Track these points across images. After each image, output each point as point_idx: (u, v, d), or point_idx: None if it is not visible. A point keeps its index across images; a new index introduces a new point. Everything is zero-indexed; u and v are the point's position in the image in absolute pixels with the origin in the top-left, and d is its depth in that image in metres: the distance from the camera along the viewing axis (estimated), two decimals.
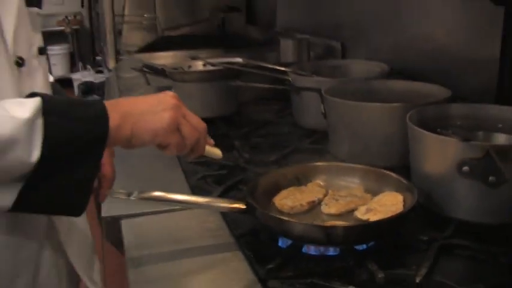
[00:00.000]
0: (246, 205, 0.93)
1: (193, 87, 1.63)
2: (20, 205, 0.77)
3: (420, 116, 1.05)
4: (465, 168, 0.89)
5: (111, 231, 1.09)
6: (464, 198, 0.92)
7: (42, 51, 1.07)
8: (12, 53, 0.92)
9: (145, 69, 1.98)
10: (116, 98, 0.94)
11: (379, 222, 0.88)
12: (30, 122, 0.75)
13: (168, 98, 0.87)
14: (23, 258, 0.93)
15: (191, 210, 1.06)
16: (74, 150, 0.79)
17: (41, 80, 1.05)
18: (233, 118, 1.66)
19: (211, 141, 0.96)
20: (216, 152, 0.98)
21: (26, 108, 0.76)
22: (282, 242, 0.91)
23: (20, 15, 0.95)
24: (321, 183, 1.05)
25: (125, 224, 1.06)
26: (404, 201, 0.94)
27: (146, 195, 0.91)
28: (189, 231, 1.02)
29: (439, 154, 0.95)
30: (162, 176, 1.28)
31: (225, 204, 0.95)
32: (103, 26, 3.80)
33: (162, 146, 0.87)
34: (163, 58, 2.68)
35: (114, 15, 3.60)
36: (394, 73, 1.52)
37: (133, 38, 3.44)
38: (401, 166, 1.07)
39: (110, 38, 3.70)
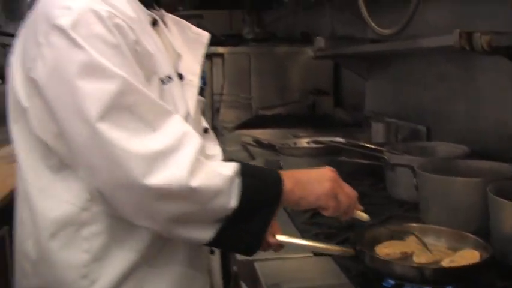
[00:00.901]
0: (355, 251, 1.21)
1: (301, 161, 1.94)
2: (214, 241, 1.08)
3: (498, 189, 1.30)
4: None
5: (246, 271, 1.38)
6: None
7: (206, 130, 1.44)
8: None
9: (253, 143, 2.32)
10: None
11: (462, 267, 1.14)
12: (232, 179, 1.08)
13: (328, 171, 1.19)
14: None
15: (308, 257, 1.35)
16: (258, 204, 1.11)
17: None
18: None
19: (360, 206, 1.27)
20: (363, 216, 1.29)
21: (229, 168, 1.09)
22: (386, 283, 1.17)
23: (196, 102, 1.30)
24: (414, 239, 1.31)
25: (258, 266, 1.34)
26: (481, 257, 1.19)
27: (283, 239, 1.21)
28: (310, 273, 1.30)
29: None
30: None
31: (339, 249, 1.24)
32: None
33: (322, 208, 1.18)
34: (260, 135, 2.98)
35: (213, 94, 3.99)
36: (474, 154, 1.77)
37: (230, 115, 3.75)
38: (480, 230, 1.31)
39: (207, 115, 4.09)
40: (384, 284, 1.17)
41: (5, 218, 2.21)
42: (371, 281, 1.20)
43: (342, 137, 2.12)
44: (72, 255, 1.13)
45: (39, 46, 1.07)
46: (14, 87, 1.14)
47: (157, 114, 1.05)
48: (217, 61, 3.86)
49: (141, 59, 1.10)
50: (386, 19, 2.38)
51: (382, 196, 1.83)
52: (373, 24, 1.64)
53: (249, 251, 1.13)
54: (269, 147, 2.15)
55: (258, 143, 2.26)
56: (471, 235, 1.26)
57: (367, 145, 1.86)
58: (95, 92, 1.01)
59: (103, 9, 1.05)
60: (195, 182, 1.02)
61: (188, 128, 1.09)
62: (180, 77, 1.24)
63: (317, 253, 1.32)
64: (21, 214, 1.22)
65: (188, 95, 1.25)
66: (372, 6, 1.96)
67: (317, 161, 1.92)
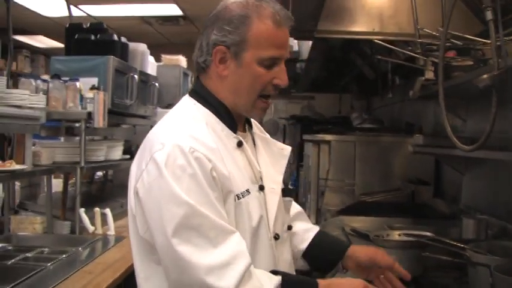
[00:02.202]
0: None
1: (391, 252, 2.15)
2: None
3: None
4: None
5: None
6: None
7: (289, 227, 1.71)
8: (272, 230, 1.56)
9: (351, 232, 2.56)
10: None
11: None
12: None
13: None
14: None
15: None
16: None
17: (288, 249, 1.68)
18: (418, 279, 2.13)
19: None
20: None
21: (271, 282, 1.39)
22: None
23: (279, 205, 1.59)
24: None
25: None
26: None
27: None
28: None
29: None
30: None
31: None
32: (307, 186, 4.46)
33: None
34: (360, 222, 3.16)
35: (318, 178, 4.24)
36: None
37: (334, 199, 3.95)
38: None
39: (313, 197, 4.33)
40: None
41: (128, 284, 2.57)
42: None
43: (435, 230, 2.32)
44: None
45: (142, 170, 1.46)
46: (129, 195, 1.53)
47: (218, 233, 1.38)
48: (324, 148, 4.08)
49: (217, 181, 1.44)
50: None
51: None
52: (455, 139, 1.86)
53: None
54: (364, 236, 2.38)
55: (356, 232, 2.50)
56: None
57: (452, 242, 2.04)
58: (169, 214, 1.37)
59: (187, 145, 1.42)
60: None
61: (242, 247, 1.39)
62: (262, 188, 1.55)
63: None
64: None
65: (269, 201, 1.57)
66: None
67: (405, 254, 2.14)
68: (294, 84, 7.06)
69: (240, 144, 1.57)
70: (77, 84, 3.31)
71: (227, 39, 1.52)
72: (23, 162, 3.02)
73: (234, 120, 1.60)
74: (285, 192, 1.71)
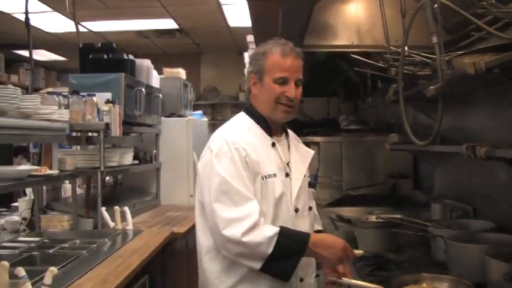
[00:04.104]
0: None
1: (369, 232, 2.63)
2: (262, 270, 1.94)
3: (492, 253, 1.92)
4: None
5: None
6: None
7: (310, 208, 2.20)
8: (293, 204, 2.05)
9: (336, 218, 3.02)
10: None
11: None
12: (271, 238, 1.93)
13: (339, 251, 1.97)
14: None
15: None
16: (288, 252, 1.93)
17: (307, 222, 2.17)
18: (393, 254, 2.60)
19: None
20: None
21: (271, 231, 1.94)
22: None
23: (301, 188, 2.09)
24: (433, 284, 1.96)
25: None
26: None
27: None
28: None
29: None
30: None
31: (376, 286, 1.91)
32: None
33: None
34: (346, 211, 3.58)
35: (310, 176, 4.66)
36: (501, 228, 2.35)
37: (324, 194, 4.34)
38: (481, 280, 1.93)
39: None
40: None
41: (147, 269, 3.02)
42: None
43: (408, 214, 2.78)
44: (212, 266, 2.11)
45: (203, 156, 2.12)
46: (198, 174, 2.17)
47: (240, 197, 1.99)
48: (314, 148, 4.39)
49: (249, 164, 2.05)
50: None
51: (428, 258, 2.47)
52: (413, 137, 2.32)
53: (284, 279, 1.97)
54: (347, 221, 2.85)
55: (340, 218, 2.96)
56: (465, 281, 1.91)
57: (417, 221, 2.52)
58: (211, 182, 2.02)
59: (230, 139, 2.07)
60: (245, 238, 1.91)
61: (255, 209, 1.97)
62: (287, 175, 2.12)
63: None
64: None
65: (293, 184, 2.14)
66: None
67: (380, 232, 2.61)
68: None
69: (273, 144, 2.17)
70: (94, 98, 3.75)
71: (254, 68, 2.21)
72: (50, 168, 3.46)
73: (269, 126, 2.20)
74: (309, 185, 2.33)
